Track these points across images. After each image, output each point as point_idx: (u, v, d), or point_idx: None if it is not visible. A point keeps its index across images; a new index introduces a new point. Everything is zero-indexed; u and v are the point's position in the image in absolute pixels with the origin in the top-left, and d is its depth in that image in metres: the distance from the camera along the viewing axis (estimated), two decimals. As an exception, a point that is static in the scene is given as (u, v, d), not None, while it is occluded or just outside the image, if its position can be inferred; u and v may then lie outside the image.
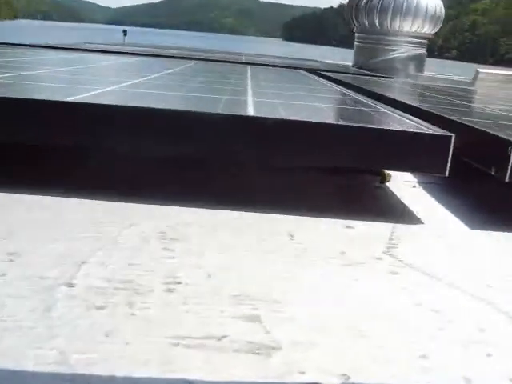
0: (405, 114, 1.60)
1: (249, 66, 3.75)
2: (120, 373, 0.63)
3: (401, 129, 1.29)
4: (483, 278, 1.01)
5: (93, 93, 1.45)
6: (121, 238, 1.03)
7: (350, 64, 6.24)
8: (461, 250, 1.16)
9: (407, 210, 1.40)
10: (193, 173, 1.53)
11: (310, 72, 3.83)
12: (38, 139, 1.26)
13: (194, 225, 1.14)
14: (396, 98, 2.09)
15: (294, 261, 1.00)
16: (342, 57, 11.98)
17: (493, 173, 1.27)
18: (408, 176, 1.70)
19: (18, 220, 1.09)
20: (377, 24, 5.64)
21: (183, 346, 0.69)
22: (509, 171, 1.21)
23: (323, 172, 1.58)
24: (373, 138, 1.26)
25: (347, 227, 1.22)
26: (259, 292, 0.86)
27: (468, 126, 1.48)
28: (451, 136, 1.25)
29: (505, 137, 1.28)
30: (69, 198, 1.23)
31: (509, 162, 1.21)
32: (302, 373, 0.66)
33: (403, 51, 5.62)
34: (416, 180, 1.69)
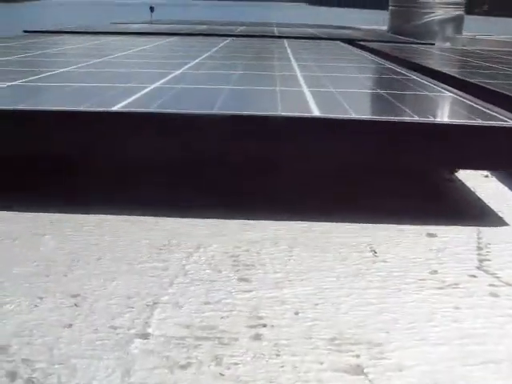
0: (472, 98, 1.47)
1: (285, 40, 3.62)
2: None
3: (480, 123, 1.17)
4: None
5: (142, 92, 1.35)
6: (189, 266, 0.94)
7: (385, 29, 6.04)
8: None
9: (487, 208, 1.28)
10: (247, 179, 1.44)
11: (349, 43, 3.68)
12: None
13: (265, 243, 1.04)
14: (455, 75, 1.95)
15: (383, 286, 0.90)
16: (366, 19, 11.72)
17: None
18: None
19: (74, 249, 1.01)
20: (412, -15, 5.43)
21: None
22: None
23: (378, 171, 1.47)
24: (447, 133, 1.15)
25: (429, 235, 1.11)
26: (355, 332, 0.76)
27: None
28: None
29: None
30: (115, 216, 1.14)
31: None
32: None
33: (440, 13, 5.40)
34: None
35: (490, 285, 0.92)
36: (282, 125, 1.13)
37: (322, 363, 0.69)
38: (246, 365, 0.69)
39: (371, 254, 1.01)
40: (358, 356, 0.71)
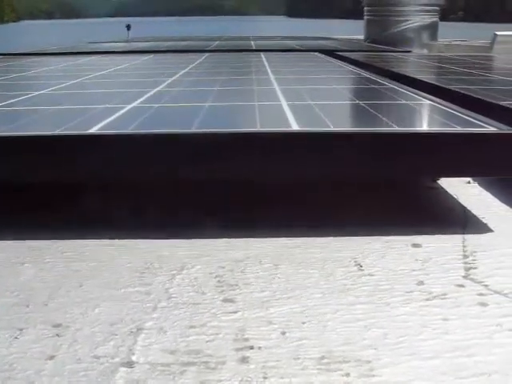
0: (451, 105, 1.47)
1: (262, 54, 3.61)
2: None
3: (461, 130, 1.17)
4: None
5: (112, 118, 1.33)
6: (173, 289, 0.92)
7: (362, 38, 6.06)
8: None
9: (470, 215, 1.28)
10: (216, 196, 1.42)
11: (327, 54, 3.69)
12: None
13: (249, 261, 1.03)
14: (433, 82, 1.96)
15: (370, 301, 0.88)
16: (346, 29, 11.82)
17: None
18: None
19: (54, 276, 0.98)
20: (386, -6, 5.46)
21: None
22: None
23: (359, 185, 1.46)
24: (429, 143, 1.14)
25: (414, 245, 1.10)
26: (344, 350, 0.75)
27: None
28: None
29: None
30: (96, 241, 1.12)
31: None
32: None
33: (416, 20, 5.43)
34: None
35: (478, 294, 0.91)
36: (261, 141, 1.12)
37: (311, 384, 0.68)
38: (234, 390, 0.67)
39: (356, 268, 1.00)
40: (347, 374, 0.70)
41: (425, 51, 4.94)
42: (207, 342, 0.77)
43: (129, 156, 1.12)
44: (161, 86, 1.90)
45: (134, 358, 0.73)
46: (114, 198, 1.38)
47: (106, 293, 0.91)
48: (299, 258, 1.04)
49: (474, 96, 1.59)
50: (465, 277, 0.97)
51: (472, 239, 1.14)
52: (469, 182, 1.52)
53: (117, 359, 0.73)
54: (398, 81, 2.04)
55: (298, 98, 1.62)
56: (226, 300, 0.88)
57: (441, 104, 1.49)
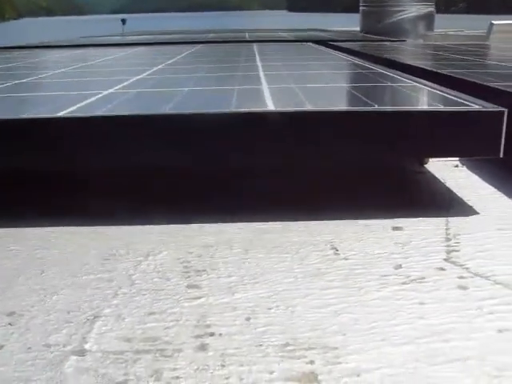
0: (440, 87, 1.42)
1: (255, 45, 3.56)
2: None
3: (443, 108, 1.12)
4: None
5: (94, 98, 1.29)
6: (137, 275, 0.88)
7: (358, 29, 6.00)
8: (531, 245, 0.99)
9: (456, 198, 1.23)
10: (194, 182, 1.37)
11: (320, 44, 3.64)
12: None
13: (220, 246, 0.98)
14: (423, 67, 1.91)
15: (343, 285, 0.84)
16: (346, 22, 11.76)
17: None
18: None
19: (16, 264, 0.94)
20: (381, -16, 5.40)
21: None
22: None
23: (347, 166, 1.41)
24: (412, 121, 1.10)
25: (395, 228, 1.06)
26: (310, 336, 0.70)
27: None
28: (503, 111, 1.08)
29: None
30: (63, 228, 1.08)
31: None
32: None
33: (412, 11, 5.36)
34: (458, 158, 1.52)
35: (459, 277, 0.86)
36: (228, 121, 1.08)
37: (271, 372, 0.63)
38: (188, 378, 0.63)
39: (332, 251, 0.95)
40: (312, 362, 0.65)
41: (420, 41, 4.88)
42: (166, 328, 0.72)
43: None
44: (143, 74, 1.85)
45: (86, 347, 0.69)
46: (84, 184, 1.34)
47: (66, 280, 0.87)
48: (274, 242, 1.00)
49: (464, 78, 1.54)
50: (446, 260, 0.92)
51: (456, 222, 1.09)
52: (457, 166, 1.47)
53: (68, 348, 0.69)
54: (388, 66, 1.99)
55: (281, 81, 1.57)
56: (190, 286, 0.84)
57: (426, 85, 1.44)
